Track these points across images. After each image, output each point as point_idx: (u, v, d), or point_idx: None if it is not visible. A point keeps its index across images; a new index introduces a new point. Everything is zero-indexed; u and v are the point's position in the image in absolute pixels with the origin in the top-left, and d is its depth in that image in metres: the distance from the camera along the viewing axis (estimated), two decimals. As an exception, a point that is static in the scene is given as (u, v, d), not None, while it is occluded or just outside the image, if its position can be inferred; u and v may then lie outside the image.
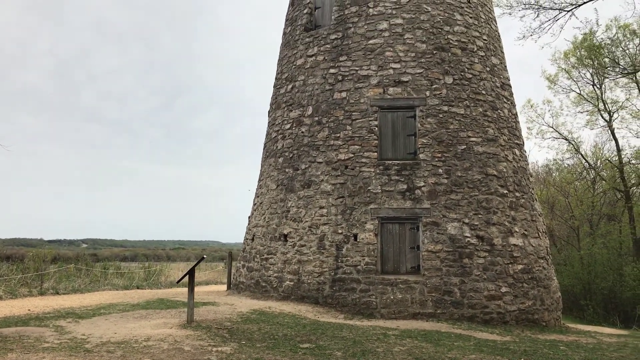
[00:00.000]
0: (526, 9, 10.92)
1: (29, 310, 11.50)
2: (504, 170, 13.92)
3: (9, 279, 16.56)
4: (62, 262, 23.37)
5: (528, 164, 15.85)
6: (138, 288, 19.23)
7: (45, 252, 21.06)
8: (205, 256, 10.41)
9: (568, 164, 31.61)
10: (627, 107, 25.90)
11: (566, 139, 28.20)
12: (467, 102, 13.97)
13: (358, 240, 12.90)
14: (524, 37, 11.25)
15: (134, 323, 9.79)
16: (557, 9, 10.67)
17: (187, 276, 9.77)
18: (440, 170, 13.31)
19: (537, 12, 10.76)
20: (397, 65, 13.92)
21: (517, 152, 14.78)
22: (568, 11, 10.63)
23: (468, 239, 12.86)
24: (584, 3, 10.54)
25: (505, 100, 15.00)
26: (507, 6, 12.85)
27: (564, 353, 9.52)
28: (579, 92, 25.63)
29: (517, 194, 14.01)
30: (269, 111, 16.68)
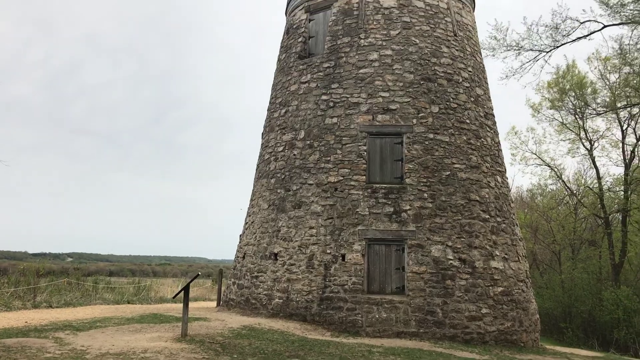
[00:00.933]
0: (507, 50, 11.68)
1: (26, 322, 11.86)
2: (486, 196, 14.58)
3: (2, 292, 16.86)
4: (52, 275, 23.57)
5: (509, 191, 16.54)
6: (129, 303, 19.55)
7: (38, 266, 21.32)
8: (199, 273, 10.90)
9: (551, 189, 32.48)
10: (607, 136, 26.89)
11: (549, 166, 29.10)
12: (451, 130, 14.66)
13: (346, 260, 13.44)
14: (506, 77, 12.05)
15: (130, 336, 10.22)
16: (536, 50, 11.41)
17: (182, 292, 10.24)
18: (425, 195, 13.93)
19: (517, 54, 11.47)
20: (386, 94, 14.62)
21: (499, 179, 15.46)
22: (547, 52, 11.38)
23: (451, 261, 13.44)
24: (562, 45, 11.30)
25: (488, 129, 15.72)
26: (490, 49, 13.64)
27: (538, 372, 10.08)
28: (561, 120, 26.59)
29: (498, 219, 14.65)
30: (262, 133, 17.28)
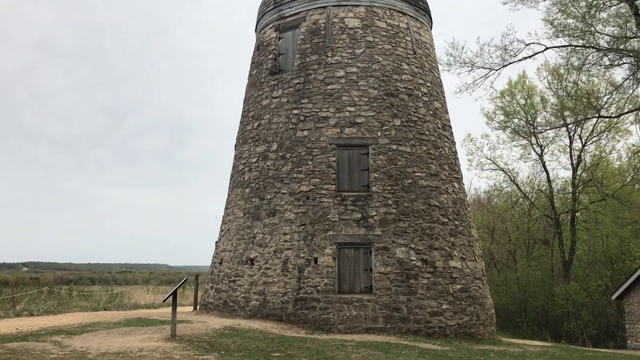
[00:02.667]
0: (461, 67, 12.96)
1: (17, 329, 12.49)
2: (445, 201, 15.89)
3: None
4: (23, 285, 23.87)
5: (466, 196, 17.94)
6: (105, 310, 20.12)
7: (15, 277, 21.69)
8: (187, 278, 11.79)
9: (507, 191, 34.29)
10: (556, 142, 28.78)
11: (503, 170, 30.88)
12: (413, 141, 15.93)
13: (318, 263, 14.52)
14: (460, 91, 13.28)
15: (122, 338, 11.05)
16: (487, 68, 12.73)
17: (171, 296, 11.13)
18: (389, 201, 15.14)
19: (470, 70, 12.75)
20: (353, 109, 15.79)
21: (457, 185, 16.82)
22: (497, 70, 12.72)
23: (414, 262, 14.68)
24: (510, 64, 12.65)
25: (446, 139, 17.07)
26: (447, 64, 14.96)
27: (493, 359, 11.36)
28: (513, 127, 28.32)
29: (456, 222, 15.98)
30: (235, 145, 18.22)
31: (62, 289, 23.31)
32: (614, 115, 21.93)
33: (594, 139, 27.48)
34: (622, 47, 12.47)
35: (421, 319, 14.23)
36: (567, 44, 12.89)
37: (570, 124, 25.27)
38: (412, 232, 14.99)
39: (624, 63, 12.95)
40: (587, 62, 13.26)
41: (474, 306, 15.27)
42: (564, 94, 23.87)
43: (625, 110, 19.56)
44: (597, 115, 21.43)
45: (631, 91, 15.59)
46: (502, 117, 28.07)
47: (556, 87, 25.64)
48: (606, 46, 12.68)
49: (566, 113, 25.71)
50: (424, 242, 15.01)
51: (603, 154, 27.63)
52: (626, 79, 15.65)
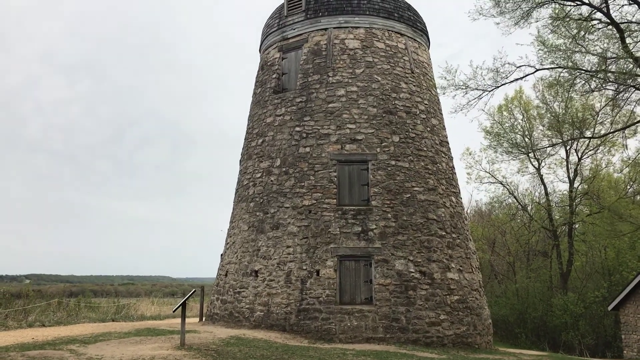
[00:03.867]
0: (456, 89, 13.64)
1: (32, 338, 13.06)
2: (443, 215, 16.48)
3: (-5, 313, 17.88)
4: (26, 298, 24.47)
5: (463, 209, 18.52)
6: (113, 321, 20.66)
7: (28, 289, 22.27)
8: (195, 290, 12.37)
9: (507, 203, 34.84)
10: (553, 154, 29.41)
11: (501, 183, 31.46)
12: (411, 157, 16.56)
13: (320, 275, 15.09)
14: (455, 111, 13.90)
15: (134, 347, 11.61)
16: (480, 90, 13.39)
17: (180, 307, 11.72)
18: (389, 215, 15.73)
19: (464, 92, 13.40)
20: (353, 126, 16.44)
21: (454, 199, 17.41)
22: (489, 91, 13.38)
23: (412, 273, 15.24)
24: (502, 85, 13.28)
25: (443, 155, 17.70)
26: (441, 88, 15.64)
27: (487, 366, 11.89)
28: (511, 142, 28.92)
29: (453, 235, 16.56)
30: (240, 160, 18.87)
31: (71, 301, 23.84)
32: (597, 136, 22.65)
33: (589, 153, 28.15)
34: (605, 69, 13.11)
35: (420, 329, 14.76)
36: (555, 65, 13.55)
37: (556, 144, 26.03)
38: (411, 245, 15.56)
39: (608, 88, 13.62)
40: (575, 83, 13.90)
41: (471, 316, 15.80)
42: (559, 111, 24.58)
43: (612, 130, 20.26)
44: (580, 136, 22.27)
45: (615, 113, 16.27)
46: (499, 132, 28.70)
47: (551, 102, 26.35)
48: (595, 67, 13.31)
49: (563, 127, 26.37)
50: (422, 254, 15.57)
51: (599, 167, 28.26)
52: (605, 105, 16.32)
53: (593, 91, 14.33)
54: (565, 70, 13.40)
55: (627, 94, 13.72)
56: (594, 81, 13.44)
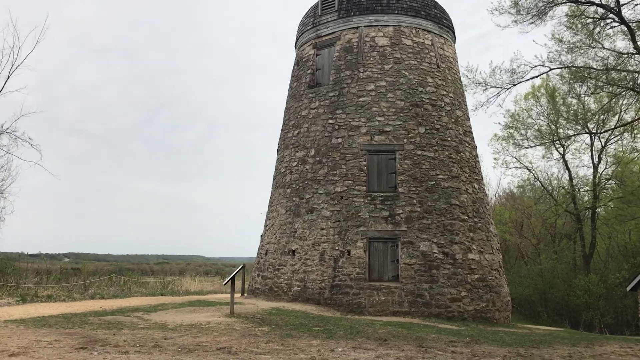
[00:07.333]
0: (476, 87, 14.77)
1: (100, 307, 15.02)
2: (465, 200, 17.82)
3: (61, 287, 20.07)
4: (92, 274, 26.76)
5: (486, 195, 19.80)
6: (162, 295, 22.71)
7: (86, 266, 24.53)
8: (244, 264, 14.08)
9: (535, 186, 35.71)
10: (577, 141, 30.23)
11: (527, 169, 32.43)
12: (436, 147, 17.90)
13: (351, 255, 16.67)
14: (475, 108, 15.03)
15: (190, 315, 13.41)
16: (499, 87, 14.51)
17: (230, 280, 13.46)
18: (414, 201, 17.16)
19: (484, 89, 14.51)
20: (381, 118, 17.84)
21: (476, 186, 18.71)
22: (507, 89, 14.50)
23: (436, 254, 16.69)
24: (519, 83, 14.41)
25: (467, 144, 18.97)
26: (464, 85, 16.92)
27: (500, 336, 13.32)
28: (537, 127, 29.82)
29: (475, 219, 17.90)
30: (277, 149, 20.49)
31: (122, 278, 26.05)
32: (621, 124, 23.50)
33: (614, 139, 28.86)
34: (619, 67, 14.15)
35: (442, 304, 16.25)
36: (569, 64, 14.64)
37: (581, 133, 26.87)
38: (435, 228, 16.98)
39: (622, 88, 14.64)
40: (589, 78, 14.97)
41: (490, 294, 17.20)
42: (584, 99, 25.39)
43: (636, 117, 21.11)
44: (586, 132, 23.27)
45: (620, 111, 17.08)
46: (526, 118, 29.62)
47: (576, 90, 27.07)
48: (606, 66, 14.38)
49: (587, 116, 27.20)
50: (445, 237, 16.99)
51: (624, 153, 28.95)
52: (610, 100, 17.24)
53: (600, 90, 15.40)
54: (578, 68, 14.50)
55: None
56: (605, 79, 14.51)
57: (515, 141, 29.64)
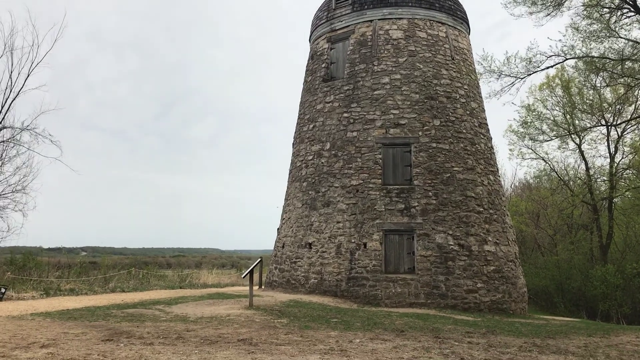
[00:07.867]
0: (491, 75, 14.76)
1: (122, 300, 15.36)
2: (480, 192, 17.87)
3: (83, 281, 20.48)
4: (112, 268, 27.24)
5: (501, 187, 19.81)
6: (181, 288, 23.09)
7: (106, 260, 24.96)
8: (261, 258, 14.30)
9: (551, 176, 35.54)
10: (594, 131, 30.01)
11: (543, 159, 32.27)
12: (451, 139, 17.95)
13: (367, 247, 16.83)
14: (489, 96, 15.01)
15: (210, 307, 13.68)
16: (513, 77, 14.53)
17: (249, 274, 13.69)
18: (430, 193, 17.25)
19: (498, 78, 14.52)
20: (396, 111, 17.92)
21: (492, 178, 18.74)
22: (522, 78, 14.50)
23: (451, 246, 16.78)
24: (534, 72, 14.41)
25: (482, 136, 18.98)
26: (478, 73, 16.92)
27: (516, 327, 13.41)
28: (552, 119, 29.66)
29: (490, 211, 17.95)
30: (293, 143, 20.66)
31: (141, 272, 26.47)
32: (617, 122, 23.44)
33: (631, 128, 28.63)
34: (634, 57, 14.10)
35: (458, 295, 16.36)
36: (584, 54, 14.60)
37: (598, 125, 26.69)
38: (450, 220, 17.07)
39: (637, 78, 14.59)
40: (604, 70, 14.94)
41: (507, 285, 17.27)
42: (600, 89, 25.20)
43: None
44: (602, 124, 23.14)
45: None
46: (541, 109, 29.47)
47: (592, 80, 26.87)
48: (621, 56, 14.34)
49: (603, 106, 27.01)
50: (460, 229, 17.07)
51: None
52: (626, 92, 17.12)
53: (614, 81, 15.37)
54: (593, 58, 14.48)
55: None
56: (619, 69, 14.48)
57: (532, 136, 29.54)
